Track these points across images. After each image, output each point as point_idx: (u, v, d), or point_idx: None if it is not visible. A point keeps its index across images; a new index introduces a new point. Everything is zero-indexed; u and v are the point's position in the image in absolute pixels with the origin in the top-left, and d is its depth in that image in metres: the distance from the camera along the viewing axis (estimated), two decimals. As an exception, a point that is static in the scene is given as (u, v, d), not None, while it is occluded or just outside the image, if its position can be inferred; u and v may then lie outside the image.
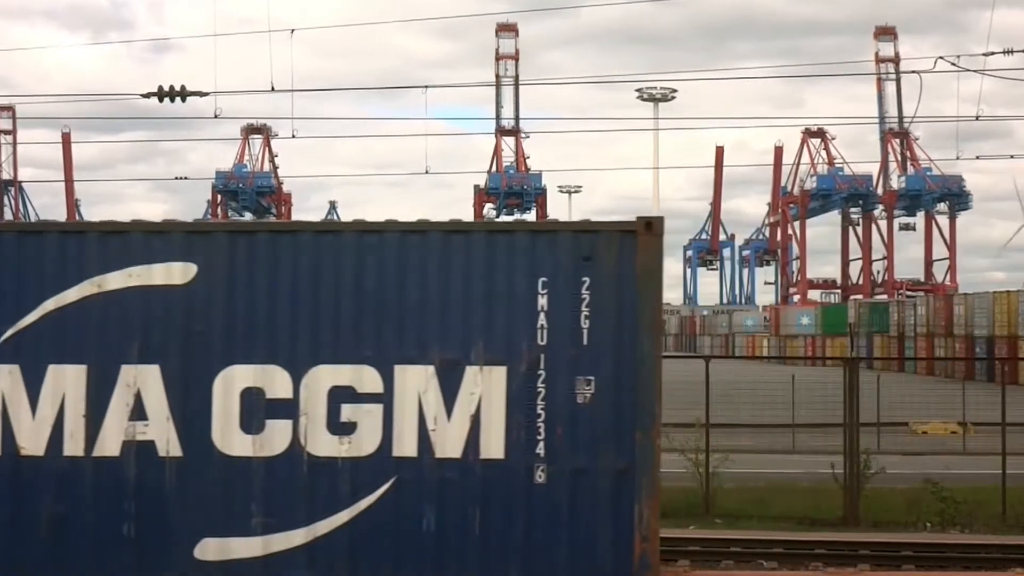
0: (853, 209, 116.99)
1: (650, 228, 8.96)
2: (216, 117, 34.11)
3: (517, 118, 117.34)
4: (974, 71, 29.62)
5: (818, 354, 74.78)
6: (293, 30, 43.45)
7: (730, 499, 17.40)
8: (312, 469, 8.99)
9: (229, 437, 9.05)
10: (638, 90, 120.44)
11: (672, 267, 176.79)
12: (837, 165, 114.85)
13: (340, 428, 9.00)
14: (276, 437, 9.02)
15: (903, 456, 21.94)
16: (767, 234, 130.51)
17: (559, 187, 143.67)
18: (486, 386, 8.91)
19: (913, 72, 74.35)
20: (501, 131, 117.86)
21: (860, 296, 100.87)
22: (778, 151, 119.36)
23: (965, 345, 57.10)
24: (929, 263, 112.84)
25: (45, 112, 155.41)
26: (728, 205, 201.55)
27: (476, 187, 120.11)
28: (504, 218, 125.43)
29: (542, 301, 8.93)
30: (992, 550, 13.87)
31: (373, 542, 8.92)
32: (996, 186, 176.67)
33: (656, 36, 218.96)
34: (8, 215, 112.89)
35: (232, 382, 9.08)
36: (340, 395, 9.01)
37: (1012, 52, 28.48)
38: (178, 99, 26.82)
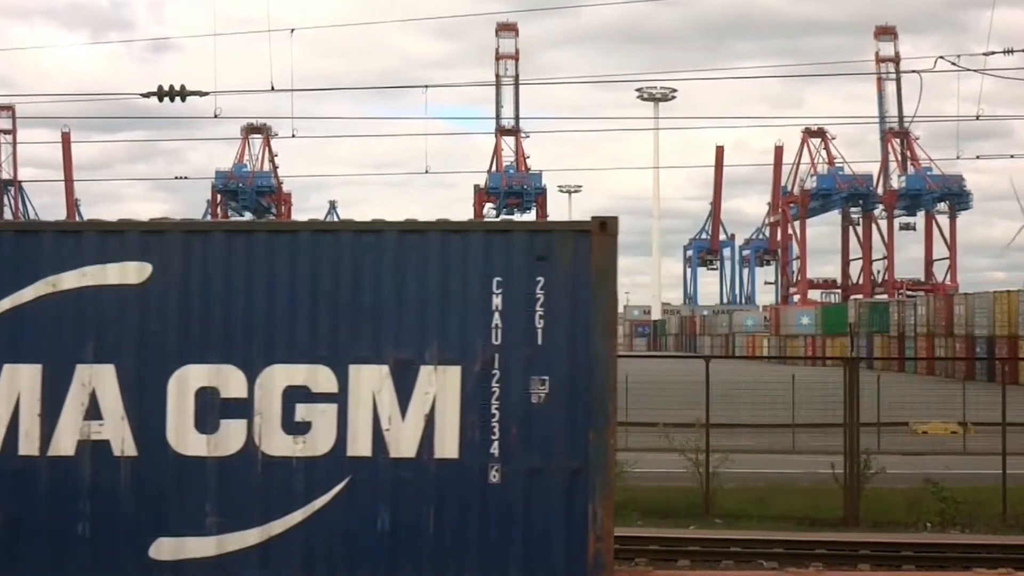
0: (853, 209, 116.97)
1: (604, 228, 8.97)
2: (216, 117, 34.12)
3: (517, 118, 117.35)
4: (974, 71, 29.62)
5: (818, 354, 74.77)
6: (293, 30, 43.52)
7: (730, 499, 17.38)
8: (266, 469, 9.00)
9: (184, 437, 9.05)
10: (638, 90, 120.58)
11: (672, 267, 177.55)
12: (837, 165, 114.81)
13: (294, 428, 9.00)
14: (231, 437, 9.03)
15: (903, 456, 21.93)
16: (767, 234, 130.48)
17: (559, 187, 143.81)
18: (440, 386, 8.92)
19: (913, 72, 74.40)
20: (501, 131, 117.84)
21: (860, 296, 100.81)
22: (778, 151, 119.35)
23: (965, 345, 57.07)
24: (929, 263, 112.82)
25: (45, 112, 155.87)
26: (728, 205, 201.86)
27: (476, 187, 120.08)
28: (504, 218, 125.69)
29: (497, 301, 8.94)
30: (993, 550, 13.85)
31: (327, 542, 8.93)
32: (996, 186, 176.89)
33: (656, 36, 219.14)
34: (8, 215, 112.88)
35: (187, 382, 9.08)
36: (294, 395, 9.01)
37: (1012, 52, 28.47)
38: (178, 99, 26.80)
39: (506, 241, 9.04)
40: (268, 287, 9.13)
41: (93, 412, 9.10)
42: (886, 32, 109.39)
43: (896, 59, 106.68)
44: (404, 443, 8.92)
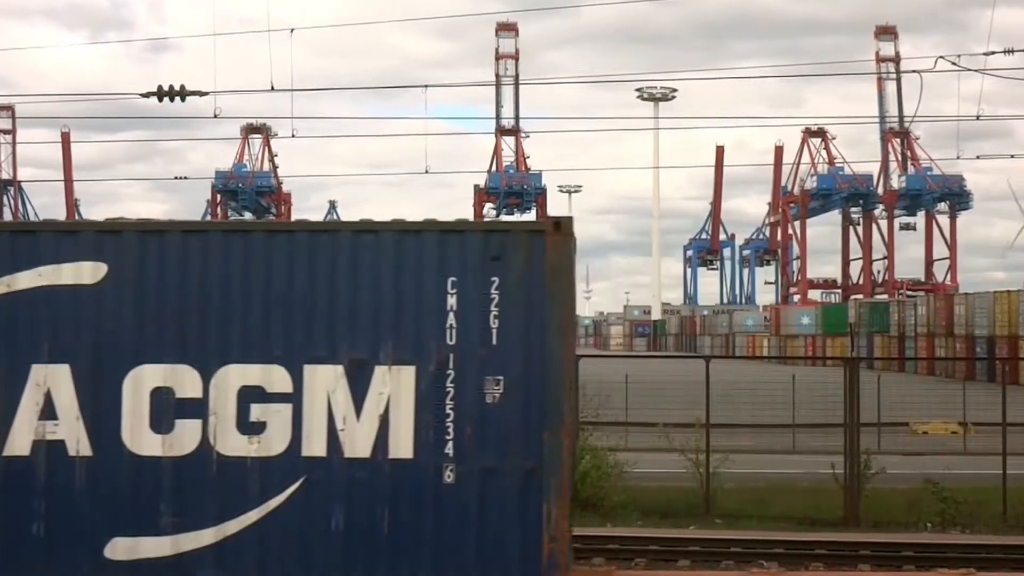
0: (853, 209, 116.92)
1: (559, 228, 8.95)
2: (216, 117, 34.08)
3: (517, 118, 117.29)
4: (975, 70, 29.60)
5: (818, 354, 74.69)
6: (292, 30, 43.48)
7: (730, 499, 17.35)
8: (221, 469, 9.00)
9: (139, 436, 9.05)
10: (638, 89, 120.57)
11: (672, 267, 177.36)
12: (837, 165, 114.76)
13: (249, 428, 9.00)
14: (186, 437, 9.03)
15: (903, 456, 21.89)
16: (767, 234, 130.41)
17: (559, 187, 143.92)
18: (395, 386, 8.92)
19: (913, 71, 74.46)
20: (501, 131, 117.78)
21: (860, 296, 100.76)
22: (778, 151, 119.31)
23: (966, 345, 56.99)
24: (930, 263, 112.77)
25: (44, 112, 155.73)
26: (728, 205, 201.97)
27: (476, 187, 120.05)
28: (505, 217, 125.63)
29: (451, 301, 8.94)
30: (993, 550, 13.83)
31: (282, 542, 8.93)
32: (997, 186, 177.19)
33: (656, 35, 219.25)
34: (8, 215, 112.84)
35: (142, 382, 9.08)
36: (249, 395, 9.02)
37: (1013, 51, 28.45)
38: (177, 99, 26.79)
39: (461, 241, 9.03)
40: (223, 287, 9.13)
41: (48, 412, 9.11)
42: (886, 32, 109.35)
43: (896, 59, 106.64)
44: (359, 443, 8.92)
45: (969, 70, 28.81)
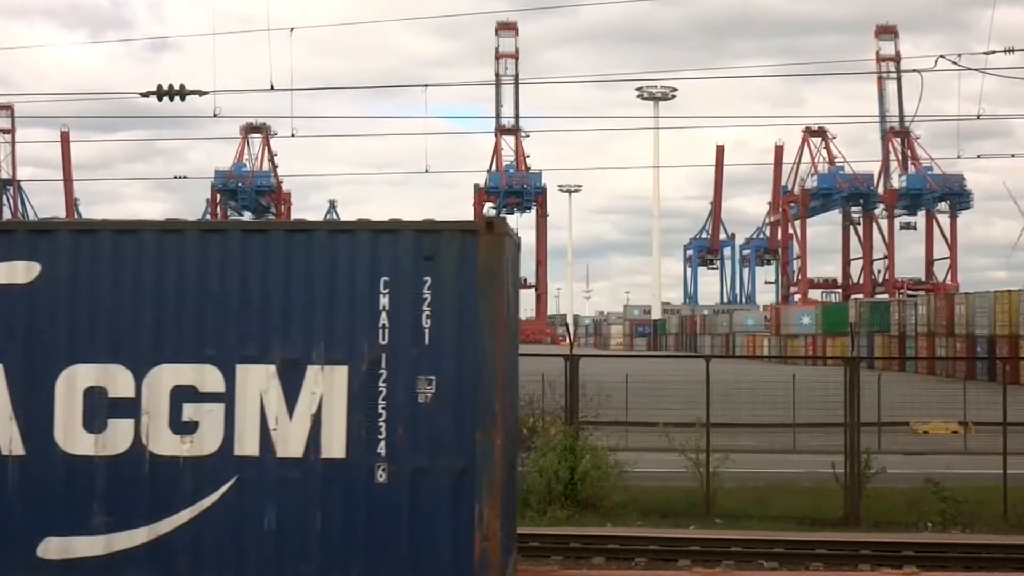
0: (854, 208, 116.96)
1: (491, 228, 8.96)
2: (215, 116, 34.15)
3: (517, 117, 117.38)
4: (975, 70, 29.53)
5: (819, 354, 74.65)
6: (292, 29, 43.50)
7: (731, 499, 17.30)
8: (154, 468, 9.01)
9: (72, 436, 9.05)
10: (638, 89, 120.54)
11: (673, 266, 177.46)
12: (838, 164, 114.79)
13: (182, 427, 9.02)
14: (118, 436, 9.03)
15: (904, 456, 21.81)
16: (768, 233, 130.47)
17: (559, 186, 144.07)
18: (327, 385, 8.93)
19: (914, 71, 74.27)
20: (501, 130, 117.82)
21: (861, 295, 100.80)
22: (778, 150, 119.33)
23: (966, 345, 56.96)
24: (930, 262, 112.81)
25: (44, 111, 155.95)
26: (728, 204, 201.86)
27: (476, 186, 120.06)
28: (505, 217, 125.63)
29: (384, 301, 8.94)
30: (994, 550, 13.80)
31: (215, 541, 8.95)
32: (997, 185, 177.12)
33: (656, 35, 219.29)
34: (7, 214, 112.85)
35: (75, 381, 9.08)
36: (182, 394, 9.03)
37: (1013, 51, 28.37)
38: (177, 98, 26.69)
39: (393, 241, 9.03)
40: (156, 287, 9.14)
41: None
42: (887, 31, 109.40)
43: (897, 58, 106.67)
44: (291, 443, 8.93)
45: (970, 69, 28.77)
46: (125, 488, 9.00)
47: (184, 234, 9.25)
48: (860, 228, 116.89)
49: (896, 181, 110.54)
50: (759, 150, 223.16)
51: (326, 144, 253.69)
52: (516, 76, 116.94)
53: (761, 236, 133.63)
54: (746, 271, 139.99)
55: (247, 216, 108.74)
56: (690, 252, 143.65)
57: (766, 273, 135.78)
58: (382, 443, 8.86)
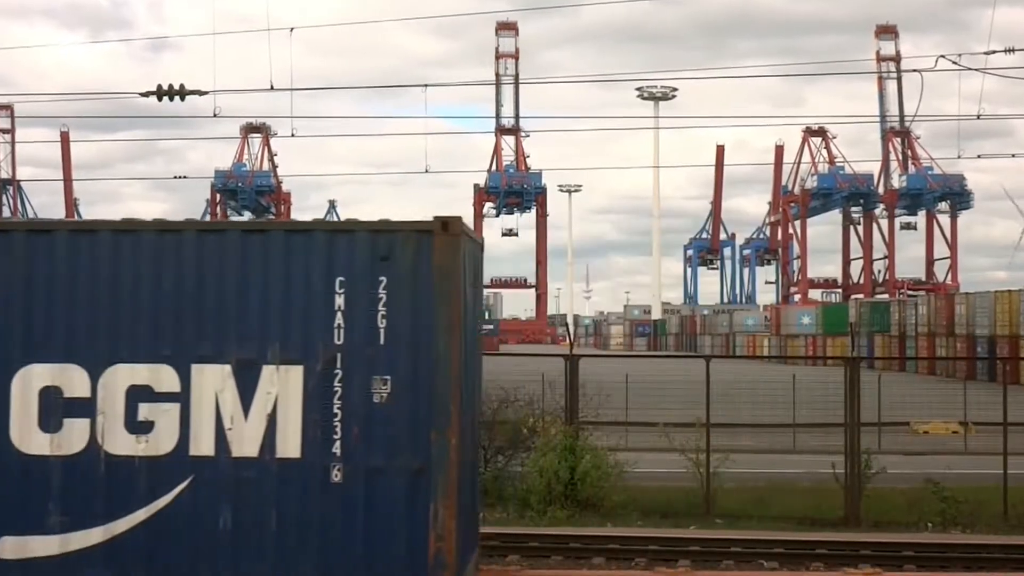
0: (854, 208, 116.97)
1: (447, 228, 8.96)
2: (215, 116, 34.15)
3: (517, 117, 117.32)
4: (975, 69, 29.49)
5: (819, 354, 74.64)
6: (292, 29, 43.51)
7: (731, 499, 17.28)
8: (110, 468, 9.00)
9: (27, 436, 9.04)
10: (638, 89, 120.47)
11: (673, 266, 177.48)
12: (838, 164, 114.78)
13: (137, 427, 9.02)
14: (74, 436, 9.02)
15: (904, 456, 21.80)
16: (768, 233, 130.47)
17: (559, 186, 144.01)
18: (283, 385, 8.93)
19: (914, 71, 74.13)
20: (501, 130, 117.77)
21: (861, 295, 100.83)
22: (779, 150, 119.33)
23: (966, 345, 56.95)
24: (930, 262, 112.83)
25: (44, 111, 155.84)
26: (729, 204, 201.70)
27: (476, 186, 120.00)
28: (505, 217, 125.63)
29: (339, 300, 8.94)
30: (994, 550, 13.79)
31: (170, 540, 8.95)
32: (998, 185, 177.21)
33: (656, 34, 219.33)
34: (7, 214, 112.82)
35: (30, 381, 9.07)
36: (138, 394, 9.03)
37: (1013, 50, 28.33)
38: (177, 98, 26.67)
39: (349, 241, 9.03)
40: (111, 286, 9.13)
41: None
42: (887, 31, 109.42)
43: (897, 58, 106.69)
44: (246, 443, 8.94)
45: (970, 69, 28.72)
46: (81, 488, 9.00)
47: (140, 234, 9.24)
48: (860, 228, 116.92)
49: (896, 181, 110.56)
50: (759, 150, 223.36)
51: (326, 144, 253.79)
52: (516, 76, 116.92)
53: (761, 236, 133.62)
54: (746, 271, 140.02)
55: (247, 216, 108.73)
56: (690, 252, 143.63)
57: (766, 273, 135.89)
58: (337, 443, 8.87)
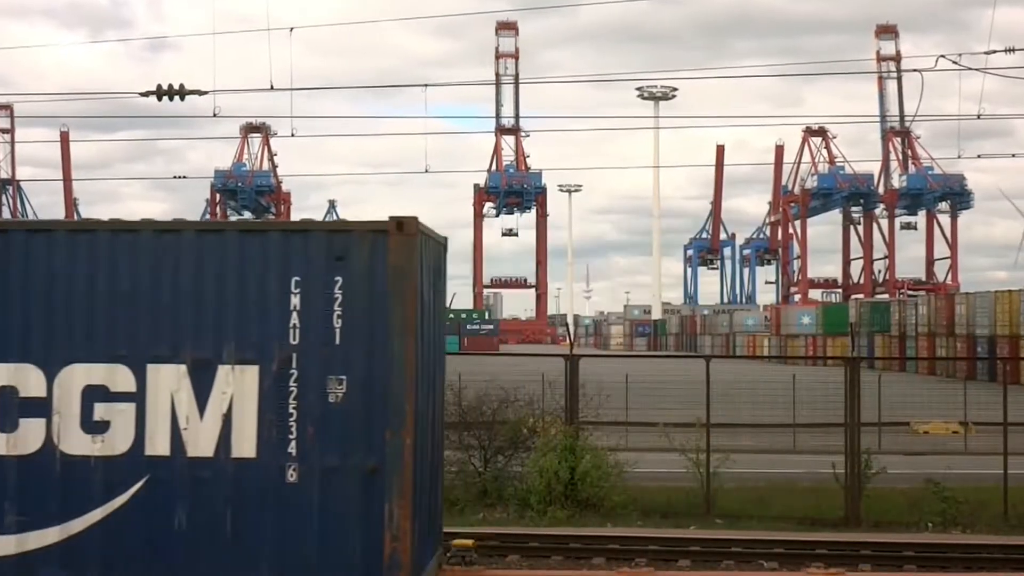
0: (854, 208, 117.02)
1: (402, 228, 8.94)
2: (215, 116, 34.12)
3: (517, 117, 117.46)
4: (976, 69, 29.47)
5: (819, 354, 74.55)
6: (292, 28, 43.52)
7: (731, 499, 17.26)
8: (65, 468, 8.99)
9: None
10: (638, 88, 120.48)
11: (673, 266, 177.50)
12: (838, 164, 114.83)
13: (93, 427, 9.01)
14: (30, 435, 9.02)
15: (904, 456, 21.76)
16: (768, 233, 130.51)
17: (559, 186, 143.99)
18: (238, 385, 8.93)
19: (914, 70, 74.23)
20: (501, 130, 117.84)
21: (861, 295, 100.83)
22: (779, 150, 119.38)
23: (967, 345, 56.90)
24: (931, 262, 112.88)
25: (43, 111, 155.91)
26: (729, 204, 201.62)
27: (476, 186, 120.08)
28: (505, 217, 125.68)
29: (295, 300, 8.93)
30: (994, 550, 13.78)
31: (126, 540, 8.95)
32: (998, 185, 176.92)
33: (656, 34, 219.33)
34: (6, 214, 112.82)
35: None
36: (93, 394, 9.02)
37: (1014, 50, 28.31)
38: (177, 98, 26.65)
39: (304, 241, 9.03)
40: (68, 286, 9.12)
41: None
42: (887, 31, 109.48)
43: (897, 58, 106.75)
44: (202, 443, 8.95)
45: (970, 69, 28.70)
46: (37, 488, 8.99)
47: (95, 234, 9.23)
48: (860, 228, 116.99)
49: (896, 181, 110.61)
50: (759, 150, 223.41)
51: (326, 144, 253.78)
52: (516, 76, 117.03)
53: (761, 236, 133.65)
54: (746, 271, 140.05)
55: (247, 216, 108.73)
56: (690, 252, 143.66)
57: (766, 273, 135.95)
58: (292, 443, 8.88)
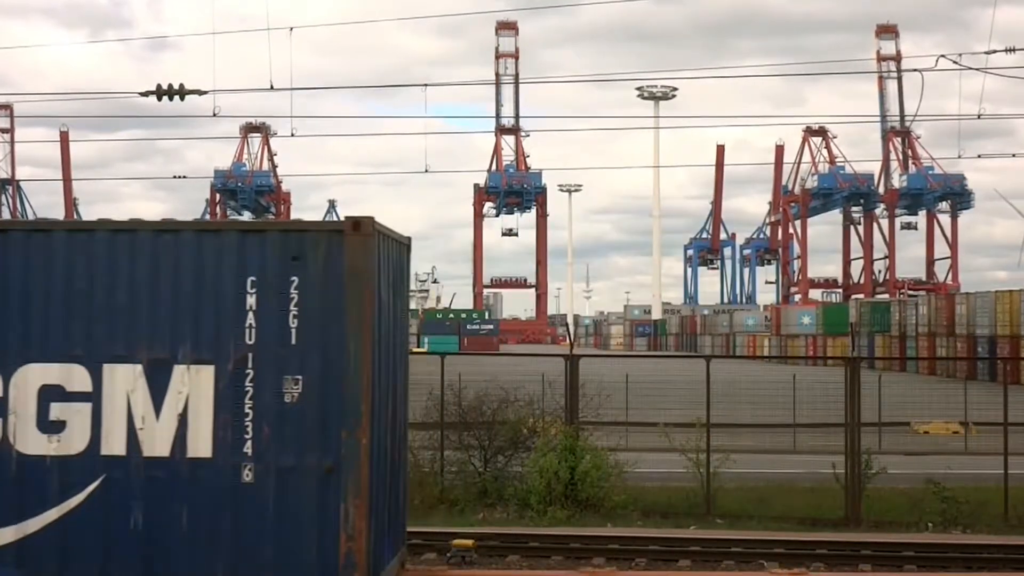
0: (854, 208, 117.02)
1: (358, 228, 8.94)
2: (215, 115, 34.06)
3: (517, 116, 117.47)
4: (976, 69, 29.42)
5: (819, 354, 74.56)
6: (292, 28, 43.49)
7: (731, 499, 17.26)
8: (21, 467, 9.00)
9: None
10: (638, 88, 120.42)
11: (673, 266, 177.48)
12: (838, 164, 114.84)
13: (49, 426, 9.01)
14: None
15: (905, 456, 21.77)
16: (768, 233, 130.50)
17: (559, 186, 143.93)
18: (194, 385, 8.95)
19: (915, 70, 74.07)
20: (501, 129, 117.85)
21: (861, 295, 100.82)
22: (779, 150, 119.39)
23: (967, 345, 56.88)
24: (931, 262, 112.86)
25: (43, 110, 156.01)
26: (729, 204, 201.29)
27: (476, 186, 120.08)
28: (505, 217, 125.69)
29: (251, 300, 8.95)
30: (994, 550, 13.77)
31: (82, 540, 8.95)
32: (998, 185, 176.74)
33: (656, 34, 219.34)
34: (6, 214, 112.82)
35: None
36: (50, 393, 9.03)
37: (1014, 50, 28.28)
38: (176, 97, 26.65)
39: (260, 241, 9.04)
40: (23, 286, 9.13)
41: None
42: (887, 30, 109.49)
43: (897, 57, 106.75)
44: (158, 442, 8.96)
45: (971, 69, 28.67)
46: None
47: (51, 233, 9.24)
48: (861, 228, 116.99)
49: (897, 181, 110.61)
50: (760, 150, 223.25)
51: (326, 144, 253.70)
52: (516, 76, 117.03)
53: (761, 236, 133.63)
54: (746, 271, 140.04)
55: (247, 216, 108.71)
56: (690, 252, 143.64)
57: (766, 273, 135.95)
58: (248, 443, 8.89)
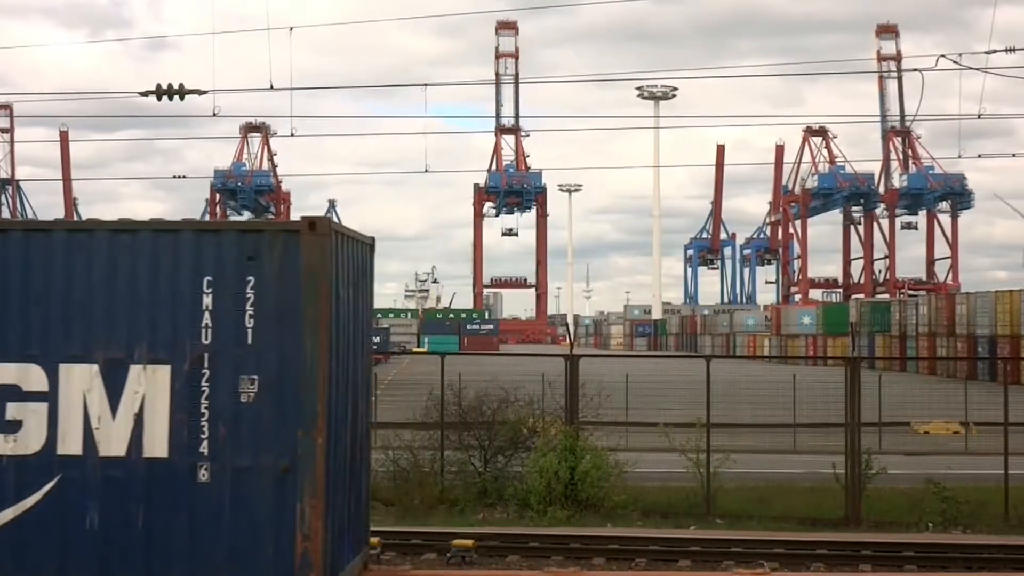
0: (855, 208, 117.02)
1: (314, 228, 8.93)
2: (214, 115, 34.03)
3: (517, 116, 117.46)
4: (976, 69, 29.42)
5: (819, 354, 74.54)
6: (292, 28, 43.43)
7: (731, 499, 17.26)
8: None
9: None
10: (638, 88, 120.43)
11: (673, 266, 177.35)
12: (838, 163, 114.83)
13: (5, 426, 9.01)
14: None
15: (905, 456, 21.78)
16: (768, 233, 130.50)
17: (559, 186, 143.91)
18: (150, 385, 8.95)
19: (915, 70, 74.04)
20: (501, 129, 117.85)
21: (862, 295, 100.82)
22: (779, 149, 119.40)
23: (967, 345, 56.87)
24: (931, 262, 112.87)
25: (43, 110, 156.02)
26: (729, 204, 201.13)
27: (476, 186, 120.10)
28: (505, 216, 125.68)
29: (207, 300, 8.96)
30: (994, 550, 13.76)
31: (38, 540, 8.94)
32: (999, 185, 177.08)
33: (656, 34, 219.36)
34: (6, 214, 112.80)
35: None
36: (6, 393, 9.03)
37: (1014, 50, 28.26)
38: (176, 97, 26.64)
39: (217, 241, 9.04)
40: None
41: None
42: (887, 30, 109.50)
43: (898, 57, 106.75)
44: (114, 442, 8.95)
45: (971, 68, 28.65)
46: None
47: (8, 233, 9.25)
48: (861, 228, 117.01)
49: (897, 181, 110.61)
50: (760, 150, 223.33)
51: (326, 143, 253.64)
52: (516, 75, 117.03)
53: (762, 236, 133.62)
54: (746, 271, 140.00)
55: (247, 216, 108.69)
56: (690, 252, 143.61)
57: (766, 273, 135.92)
58: (204, 442, 8.89)
